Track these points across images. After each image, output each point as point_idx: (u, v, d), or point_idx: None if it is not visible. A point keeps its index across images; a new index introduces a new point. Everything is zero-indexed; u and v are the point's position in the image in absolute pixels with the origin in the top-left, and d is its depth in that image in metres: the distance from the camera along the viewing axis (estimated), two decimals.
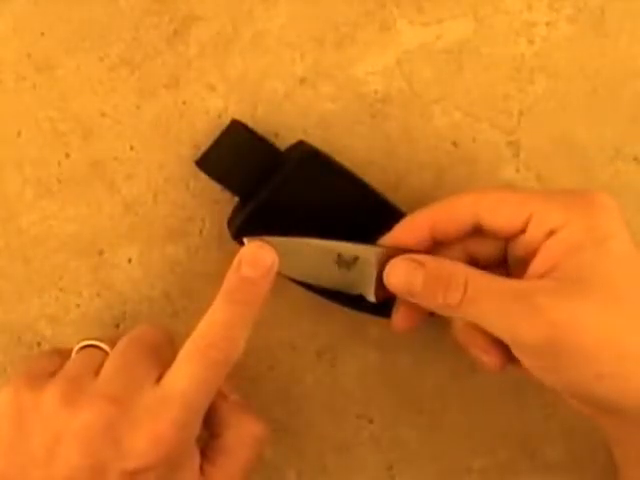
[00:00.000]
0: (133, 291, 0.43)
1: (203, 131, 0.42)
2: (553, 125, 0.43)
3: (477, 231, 0.37)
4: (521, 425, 0.44)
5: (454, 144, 0.43)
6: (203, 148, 0.41)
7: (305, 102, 0.42)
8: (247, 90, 0.42)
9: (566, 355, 0.33)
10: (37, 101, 0.41)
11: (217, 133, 0.40)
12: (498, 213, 0.36)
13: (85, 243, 0.42)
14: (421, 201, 0.39)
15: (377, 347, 0.44)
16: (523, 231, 0.36)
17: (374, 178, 0.41)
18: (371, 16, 0.42)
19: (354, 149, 0.42)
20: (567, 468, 0.45)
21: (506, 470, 0.45)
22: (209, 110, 0.42)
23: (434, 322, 0.40)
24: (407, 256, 0.36)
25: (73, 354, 0.38)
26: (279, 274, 0.36)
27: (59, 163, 0.42)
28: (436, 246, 0.38)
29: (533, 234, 0.35)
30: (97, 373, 0.36)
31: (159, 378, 0.35)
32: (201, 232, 0.43)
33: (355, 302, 0.40)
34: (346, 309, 0.42)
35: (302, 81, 0.42)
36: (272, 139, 0.41)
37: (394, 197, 0.41)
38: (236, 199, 0.42)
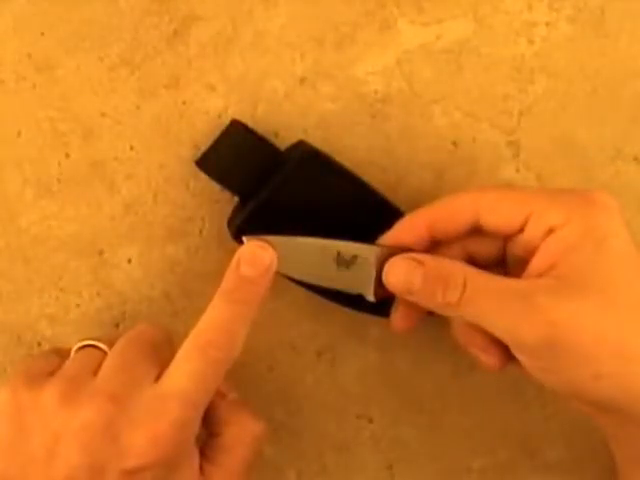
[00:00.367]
0: (133, 291, 0.43)
1: (203, 131, 0.42)
2: (553, 125, 0.43)
3: (476, 230, 0.37)
4: (521, 425, 0.45)
5: (454, 144, 0.43)
6: (203, 148, 0.41)
7: (305, 102, 0.42)
8: (247, 90, 0.42)
9: (565, 354, 0.33)
10: (37, 101, 0.41)
11: (217, 133, 0.40)
12: (497, 212, 0.36)
13: (85, 243, 0.42)
14: (421, 201, 0.39)
15: (377, 347, 0.44)
16: (522, 230, 0.36)
17: (374, 178, 0.41)
18: (371, 16, 0.42)
19: (354, 149, 0.42)
20: (567, 468, 0.45)
21: (506, 470, 0.45)
22: (209, 110, 0.42)
23: (434, 322, 0.40)
24: (406, 255, 0.36)
25: (72, 354, 0.38)
26: (278, 273, 0.36)
27: (59, 163, 0.42)
28: (435, 245, 0.38)
29: (532, 233, 0.35)
30: (96, 373, 0.36)
31: (158, 377, 0.35)
32: (201, 232, 0.43)
33: (355, 302, 0.40)
34: (346, 309, 0.42)
35: (302, 81, 0.42)
36: (272, 139, 0.41)
37: (394, 197, 0.41)
38: (236, 199, 0.42)
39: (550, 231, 0.35)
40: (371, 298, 0.37)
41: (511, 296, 0.34)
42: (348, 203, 0.40)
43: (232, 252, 0.39)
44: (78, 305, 0.43)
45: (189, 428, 0.35)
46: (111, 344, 0.37)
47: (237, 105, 0.42)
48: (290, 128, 0.42)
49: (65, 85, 0.41)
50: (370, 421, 0.44)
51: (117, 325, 0.43)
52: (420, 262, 0.36)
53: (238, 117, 0.41)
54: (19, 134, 0.42)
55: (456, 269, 0.35)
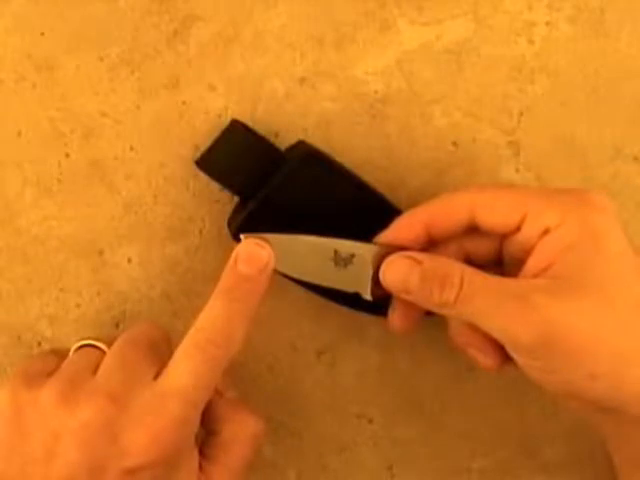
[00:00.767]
0: (133, 291, 0.43)
1: (203, 131, 0.42)
2: (553, 125, 0.43)
3: (473, 229, 0.37)
4: (521, 425, 0.44)
5: (454, 144, 0.43)
6: (203, 148, 0.41)
7: (305, 102, 0.42)
8: (247, 90, 0.42)
9: (560, 354, 0.33)
10: (37, 101, 0.41)
11: (217, 133, 0.40)
12: (493, 211, 0.36)
13: (85, 243, 0.42)
14: (421, 201, 0.39)
15: (377, 347, 0.44)
16: (518, 229, 0.36)
17: (374, 178, 0.41)
18: (371, 16, 0.42)
19: (354, 149, 0.42)
20: (567, 468, 0.45)
21: (506, 470, 0.45)
22: (209, 110, 0.42)
23: (434, 322, 0.40)
24: (404, 253, 0.36)
25: (70, 354, 0.38)
26: (276, 272, 0.36)
27: (59, 163, 0.42)
28: (432, 244, 0.38)
29: (528, 232, 0.35)
30: (95, 372, 0.36)
31: (157, 375, 0.35)
32: (201, 232, 0.43)
33: (354, 301, 0.40)
34: (346, 309, 0.42)
35: (302, 81, 0.42)
36: (272, 139, 0.41)
37: (394, 197, 0.41)
38: (236, 199, 0.42)
39: (546, 231, 0.35)
40: (368, 297, 0.37)
41: (507, 296, 0.34)
42: (348, 203, 0.40)
43: (232, 252, 0.39)
44: (78, 305, 0.43)
45: (189, 426, 0.35)
46: (110, 344, 0.37)
47: (237, 105, 0.42)
48: (290, 128, 0.42)
49: (65, 85, 0.41)
50: (370, 421, 0.44)
51: (117, 325, 0.43)
52: (417, 261, 0.36)
53: (238, 117, 0.41)
54: (19, 134, 0.42)
55: (453, 268, 0.35)
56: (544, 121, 0.42)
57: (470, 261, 0.37)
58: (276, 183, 0.39)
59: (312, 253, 0.37)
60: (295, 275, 0.37)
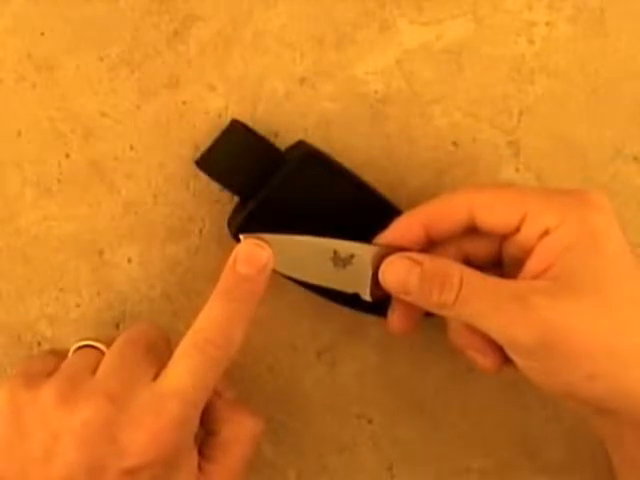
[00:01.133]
0: (133, 291, 0.43)
1: (203, 131, 0.42)
2: (553, 125, 0.43)
3: (472, 230, 0.37)
4: (521, 425, 0.44)
5: (454, 144, 0.43)
6: (203, 148, 0.41)
7: (305, 102, 0.42)
8: (247, 90, 0.42)
9: (560, 355, 0.33)
10: (37, 101, 0.41)
11: (217, 133, 0.40)
12: (493, 211, 0.36)
13: (85, 243, 0.42)
14: (421, 201, 0.39)
15: (377, 347, 0.44)
16: (518, 230, 0.36)
17: (374, 178, 0.41)
18: (371, 16, 0.42)
19: (354, 149, 0.42)
20: (567, 468, 0.45)
21: (506, 470, 0.45)
22: (209, 110, 0.42)
23: (434, 323, 0.40)
24: (403, 254, 0.36)
25: (70, 354, 0.38)
26: (275, 272, 0.36)
27: (59, 163, 0.42)
28: (431, 245, 0.38)
29: (528, 233, 0.35)
30: (94, 372, 0.36)
31: (156, 376, 0.35)
32: (201, 232, 0.43)
33: (354, 301, 0.40)
34: (346, 309, 0.41)
35: (302, 81, 0.42)
36: (272, 139, 0.41)
37: (394, 197, 0.41)
38: (236, 199, 0.42)
39: (546, 232, 0.35)
40: (367, 298, 0.37)
41: (506, 297, 0.34)
42: (348, 203, 0.40)
43: (232, 252, 0.39)
44: (78, 305, 0.43)
45: (188, 426, 0.35)
46: (109, 344, 0.37)
47: (237, 105, 0.42)
48: (290, 128, 0.42)
49: (65, 85, 0.41)
50: (370, 421, 0.44)
51: (117, 325, 0.43)
52: (417, 262, 0.36)
53: (238, 117, 0.41)
54: (19, 134, 0.42)
55: (452, 269, 0.35)
56: (544, 121, 0.42)
57: (469, 262, 0.37)
58: (276, 183, 0.39)
59: (311, 253, 0.37)
60: (294, 275, 0.37)
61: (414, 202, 0.40)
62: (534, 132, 0.42)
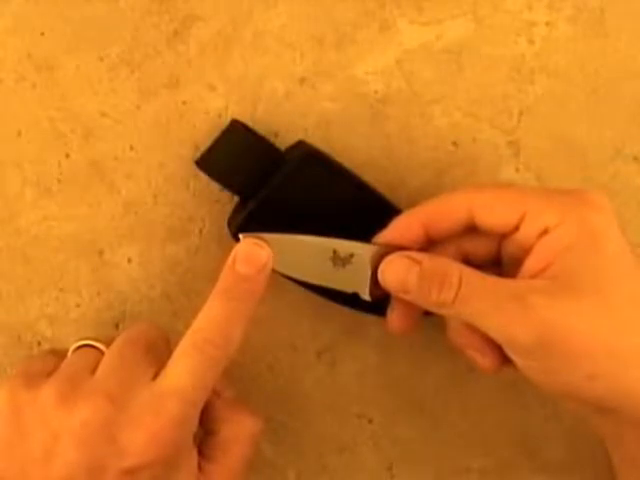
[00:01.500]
0: (133, 291, 0.43)
1: (203, 131, 0.42)
2: (553, 125, 0.43)
3: (471, 229, 0.37)
4: (521, 425, 0.44)
5: (454, 144, 0.43)
6: (203, 148, 0.41)
7: (305, 102, 0.42)
8: (247, 90, 0.42)
9: (558, 355, 0.33)
10: (37, 101, 0.41)
11: (217, 133, 0.40)
12: (492, 211, 0.36)
13: (85, 243, 0.42)
14: (421, 201, 0.39)
15: (377, 347, 0.44)
16: (517, 229, 0.36)
17: (374, 178, 0.41)
18: (371, 16, 0.41)
19: (354, 149, 0.42)
20: (567, 468, 0.45)
21: (506, 470, 0.45)
22: (209, 110, 0.42)
23: (434, 322, 0.40)
24: (403, 253, 0.36)
25: (69, 354, 0.38)
26: (275, 272, 0.36)
27: (59, 163, 0.42)
28: (430, 244, 0.38)
29: (527, 232, 0.35)
30: (93, 372, 0.36)
31: (156, 375, 0.35)
32: (201, 232, 0.43)
33: (354, 301, 0.40)
34: (346, 309, 0.41)
35: (302, 81, 0.42)
36: (272, 139, 0.41)
37: (394, 197, 0.41)
38: (236, 199, 0.42)
39: (545, 231, 0.35)
40: (367, 297, 0.37)
41: (505, 296, 0.34)
42: (348, 203, 0.40)
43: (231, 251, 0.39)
44: (78, 305, 0.43)
45: (187, 426, 0.35)
46: (109, 344, 0.37)
47: (237, 105, 0.42)
48: (290, 128, 0.42)
49: (65, 85, 0.41)
50: (370, 421, 0.44)
51: (117, 325, 0.43)
52: (416, 261, 0.35)
53: (238, 117, 0.41)
54: (19, 134, 0.42)
55: (452, 268, 0.35)
56: (544, 121, 0.42)
57: (468, 261, 0.37)
58: (276, 183, 0.39)
59: (311, 253, 0.37)
60: (294, 275, 0.37)
61: (414, 202, 0.40)
62: (534, 132, 0.42)
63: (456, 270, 0.35)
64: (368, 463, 0.45)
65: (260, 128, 0.41)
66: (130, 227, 0.42)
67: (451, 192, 0.37)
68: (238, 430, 0.37)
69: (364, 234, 0.38)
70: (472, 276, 0.35)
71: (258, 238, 0.36)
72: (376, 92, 0.42)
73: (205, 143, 0.40)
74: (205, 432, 0.38)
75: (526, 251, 0.35)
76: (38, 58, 0.41)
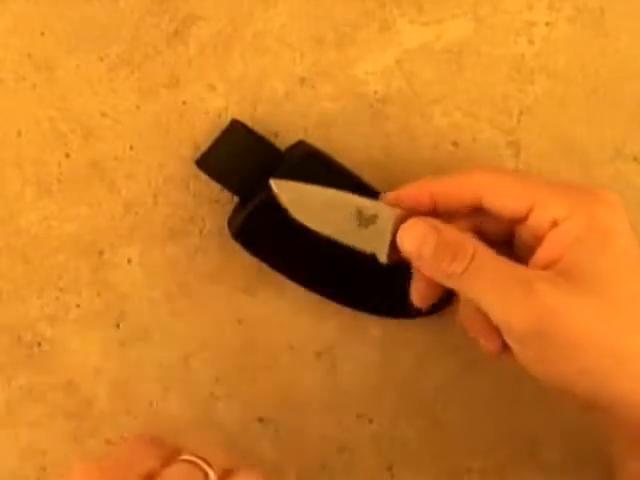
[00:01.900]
0: (133, 291, 0.43)
1: (203, 131, 0.42)
2: (553, 125, 0.43)
3: (482, 209, 0.37)
4: (521, 425, 0.44)
5: (454, 144, 0.43)
6: (203, 148, 0.41)
7: (305, 102, 0.42)
8: (247, 90, 0.42)
9: (553, 345, 0.34)
10: (37, 101, 0.41)
11: (217, 133, 0.40)
12: (500, 198, 0.36)
13: (85, 243, 0.42)
14: None
15: (377, 347, 0.44)
16: (526, 218, 0.36)
17: (374, 178, 0.41)
18: (371, 16, 0.41)
19: (354, 149, 0.42)
20: (567, 468, 0.45)
21: (506, 470, 0.45)
22: (209, 110, 0.42)
23: (434, 322, 0.40)
24: (425, 218, 0.36)
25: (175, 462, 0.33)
26: (298, 223, 0.36)
27: (59, 163, 0.42)
28: (438, 216, 0.37)
29: (537, 222, 0.35)
30: None
31: None
32: (201, 232, 0.43)
33: (355, 301, 0.40)
34: (346, 309, 0.42)
35: (302, 81, 0.42)
36: (272, 139, 0.41)
37: None
38: (236, 199, 0.42)
39: (554, 223, 0.35)
40: (384, 259, 0.37)
41: (511, 278, 0.34)
42: None
43: (232, 252, 0.40)
44: (78, 305, 0.43)
45: None
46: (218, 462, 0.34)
47: (237, 105, 0.42)
48: (290, 128, 0.42)
49: (65, 85, 0.41)
50: (370, 421, 0.44)
51: (117, 325, 0.43)
52: (436, 228, 0.36)
53: (238, 117, 0.41)
54: (19, 134, 0.42)
55: (468, 242, 0.35)
56: (544, 121, 0.42)
57: (481, 237, 0.37)
58: None
59: (337, 208, 0.37)
60: (316, 228, 0.37)
61: None
62: (534, 132, 0.42)
63: (471, 245, 0.35)
64: (368, 463, 0.45)
65: (260, 128, 0.41)
66: (130, 227, 0.42)
67: (462, 173, 0.37)
68: None
69: None
70: (485, 254, 0.35)
71: (290, 186, 0.36)
72: (376, 92, 0.42)
73: (205, 143, 0.40)
74: None
75: (537, 241, 0.35)
76: (38, 58, 0.41)
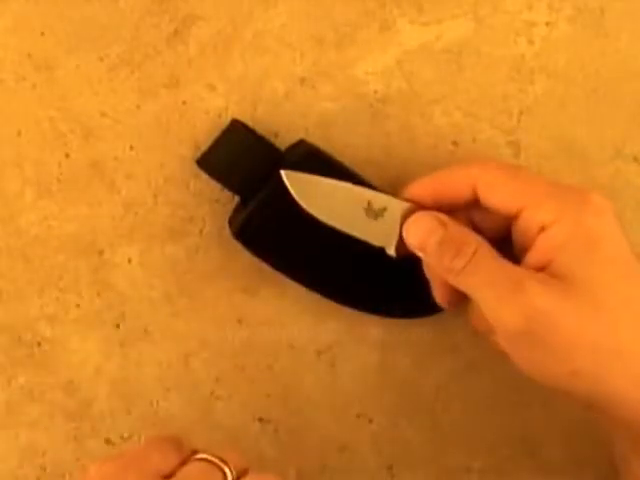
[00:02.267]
0: (133, 291, 0.43)
1: (203, 131, 0.42)
2: (553, 125, 0.43)
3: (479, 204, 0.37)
4: (521, 425, 0.44)
5: (454, 144, 0.43)
6: (203, 148, 0.41)
7: (305, 102, 0.42)
8: (247, 90, 0.42)
9: (543, 346, 0.34)
10: (37, 101, 0.41)
11: (217, 133, 0.40)
12: (493, 195, 0.36)
13: (85, 243, 0.42)
14: None
15: (377, 347, 0.44)
16: (516, 218, 0.36)
17: (374, 177, 0.41)
18: (371, 16, 0.41)
19: (354, 149, 0.42)
20: (567, 468, 0.45)
21: (506, 470, 0.45)
22: (209, 110, 0.42)
23: (434, 322, 0.40)
24: (432, 212, 0.37)
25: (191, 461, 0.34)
26: (307, 213, 0.37)
27: (59, 163, 0.42)
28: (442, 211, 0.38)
29: (526, 225, 0.36)
30: None
31: None
32: (201, 232, 0.43)
33: (355, 301, 0.40)
34: (346, 309, 0.42)
35: (302, 81, 0.42)
36: (272, 139, 0.41)
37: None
38: (236, 199, 0.42)
39: (542, 228, 0.35)
40: (392, 252, 0.38)
41: (505, 277, 0.34)
42: None
43: (232, 252, 0.40)
44: (78, 305, 0.43)
45: None
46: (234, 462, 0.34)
47: (237, 105, 0.42)
48: (290, 128, 0.42)
49: (65, 85, 0.41)
50: (370, 421, 0.44)
51: (117, 325, 0.43)
52: (442, 223, 0.36)
53: (238, 117, 0.41)
54: (19, 134, 0.42)
55: (471, 239, 0.36)
56: (544, 121, 0.42)
57: (479, 232, 0.37)
58: (276, 183, 0.39)
59: (347, 200, 0.37)
60: (325, 219, 0.38)
61: None
62: (534, 132, 0.42)
63: (474, 242, 0.35)
64: (368, 463, 0.45)
65: (260, 128, 0.41)
66: (130, 227, 0.42)
67: (459, 166, 0.38)
68: None
69: None
70: (486, 253, 0.35)
71: (302, 176, 0.36)
72: (376, 92, 0.42)
73: (205, 143, 0.40)
74: None
75: (529, 242, 0.36)
76: (38, 58, 0.41)
